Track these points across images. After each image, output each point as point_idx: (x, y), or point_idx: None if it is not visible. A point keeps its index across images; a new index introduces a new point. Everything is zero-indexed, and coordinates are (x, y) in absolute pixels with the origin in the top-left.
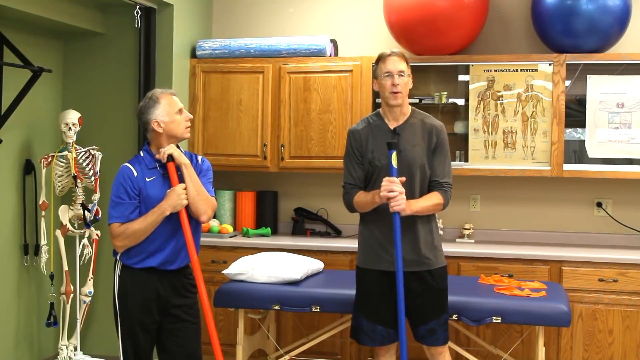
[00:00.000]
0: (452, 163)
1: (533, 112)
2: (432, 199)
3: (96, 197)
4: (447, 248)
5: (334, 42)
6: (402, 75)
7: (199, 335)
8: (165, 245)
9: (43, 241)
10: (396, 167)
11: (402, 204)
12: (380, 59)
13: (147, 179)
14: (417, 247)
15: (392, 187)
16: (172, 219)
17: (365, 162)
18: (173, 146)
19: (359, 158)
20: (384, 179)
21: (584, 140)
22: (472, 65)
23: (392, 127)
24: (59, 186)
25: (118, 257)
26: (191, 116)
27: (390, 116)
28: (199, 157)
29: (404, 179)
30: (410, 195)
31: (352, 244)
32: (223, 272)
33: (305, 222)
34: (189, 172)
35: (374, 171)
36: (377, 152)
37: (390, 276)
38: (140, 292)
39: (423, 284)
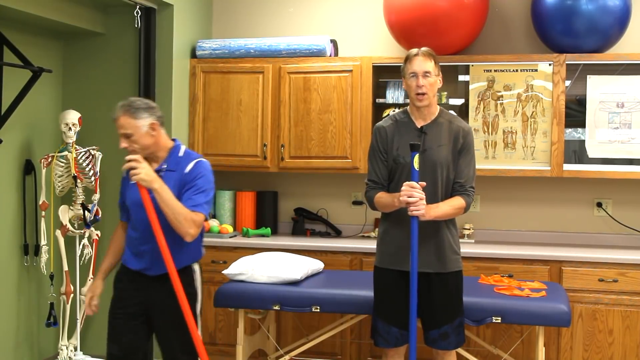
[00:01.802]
0: None
1: (533, 112)
2: (454, 203)
3: (96, 197)
4: None
5: (334, 42)
6: (427, 76)
7: (184, 341)
8: (141, 252)
9: (43, 241)
10: (418, 169)
11: (421, 209)
12: (407, 58)
13: (130, 182)
14: (440, 249)
15: (412, 193)
16: (145, 225)
17: (390, 159)
18: (145, 165)
19: (383, 155)
20: (404, 184)
21: (584, 140)
22: (472, 65)
23: (419, 126)
24: (59, 186)
25: None
26: (122, 146)
27: (417, 114)
28: (190, 165)
29: (424, 183)
30: (433, 195)
31: (352, 244)
32: (223, 272)
33: (305, 222)
34: (161, 196)
35: (397, 168)
36: (402, 149)
37: (409, 277)
38: (124, 287)
39: (440, 285)
